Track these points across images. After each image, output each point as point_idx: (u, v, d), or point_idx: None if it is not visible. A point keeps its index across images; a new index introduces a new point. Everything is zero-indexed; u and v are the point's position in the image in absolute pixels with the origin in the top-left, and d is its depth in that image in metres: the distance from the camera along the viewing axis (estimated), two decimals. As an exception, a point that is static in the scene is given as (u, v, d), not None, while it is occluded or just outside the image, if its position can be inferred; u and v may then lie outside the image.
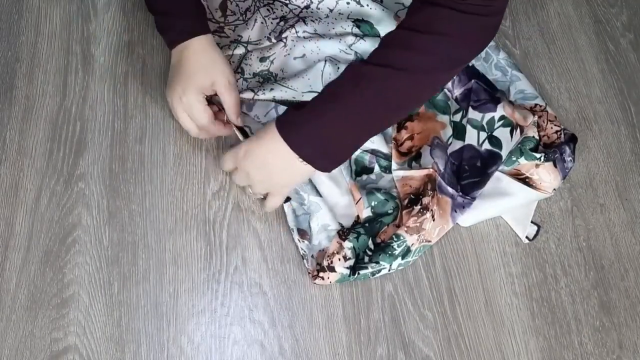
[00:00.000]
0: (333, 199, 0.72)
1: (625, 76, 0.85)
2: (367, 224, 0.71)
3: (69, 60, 0.81)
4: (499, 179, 0.75)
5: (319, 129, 0.62)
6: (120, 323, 0.68)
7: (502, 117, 0.76)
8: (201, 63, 0.70)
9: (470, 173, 0.73)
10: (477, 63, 0.81)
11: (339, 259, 0.69)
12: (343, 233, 0.71)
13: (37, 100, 0.78)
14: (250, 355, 0.68)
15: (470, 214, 0.73)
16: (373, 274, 0.70)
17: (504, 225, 0.75)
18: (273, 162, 0.65)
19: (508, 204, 0.74)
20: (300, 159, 0.62)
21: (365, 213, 0.72)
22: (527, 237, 0.74)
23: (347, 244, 0.70)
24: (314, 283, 0.70)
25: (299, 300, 0.70)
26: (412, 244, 0.70)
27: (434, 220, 0.71)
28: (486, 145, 0.75)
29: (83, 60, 0.80)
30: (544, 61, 0.85)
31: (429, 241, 0.72)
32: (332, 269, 0.69)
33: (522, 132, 0.75)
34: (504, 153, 0.74)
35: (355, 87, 0.60)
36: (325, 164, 0.64)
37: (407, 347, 0.68)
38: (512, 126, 0.75)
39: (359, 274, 0.69)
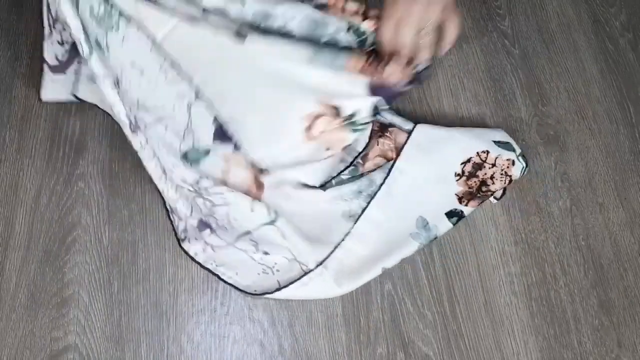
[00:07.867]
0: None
1: (624, 76, 0.85)
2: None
3: (69, 60, 0.81)
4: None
5: None
6: (120, 322, 0.68)
7: None
8: None
9: None
10: None
11: None
12: None
13: (37, 99, 0.78)
14: (250, 354, 0.68)
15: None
16: None
17: (503, 224, 0.75)
18: None
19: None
20: None
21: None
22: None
23: None
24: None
25: (298, 299, 0.70)
26: None
27: None
28: None
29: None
30: (542, 61, 0.85)
31: None
32: None
33: None
34: None
35: None
36: None
37: (406, 347, 0.68)
38: None
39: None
